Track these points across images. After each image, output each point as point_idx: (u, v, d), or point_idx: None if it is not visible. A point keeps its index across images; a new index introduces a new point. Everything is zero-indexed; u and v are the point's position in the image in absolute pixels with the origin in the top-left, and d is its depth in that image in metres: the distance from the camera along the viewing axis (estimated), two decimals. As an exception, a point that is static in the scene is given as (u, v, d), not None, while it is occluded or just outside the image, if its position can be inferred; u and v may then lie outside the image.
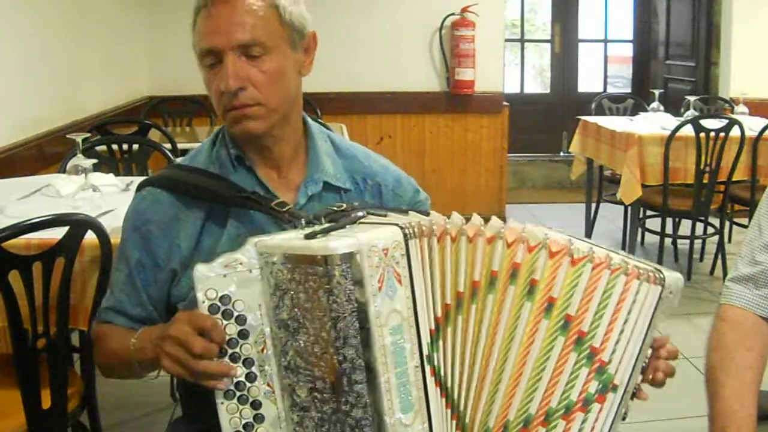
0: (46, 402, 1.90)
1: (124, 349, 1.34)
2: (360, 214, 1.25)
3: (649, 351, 1.30)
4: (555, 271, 1.20)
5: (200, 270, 1.17)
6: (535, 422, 1.20)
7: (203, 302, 1.17)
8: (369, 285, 1.09)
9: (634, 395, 1.30)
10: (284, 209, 1.36)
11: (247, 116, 1.35)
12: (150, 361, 1.30)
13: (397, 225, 1.15)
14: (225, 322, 1.17)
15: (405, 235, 1.14)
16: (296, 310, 1.13)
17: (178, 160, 1.56)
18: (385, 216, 1.27)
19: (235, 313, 1.18)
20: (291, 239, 1.18)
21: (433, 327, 1.16)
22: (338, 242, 1.09)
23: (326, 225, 1.21)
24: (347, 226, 1.19)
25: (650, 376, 1.32)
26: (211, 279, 1.17)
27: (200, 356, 1.15)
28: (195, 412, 1.50)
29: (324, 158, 1.48)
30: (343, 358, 1.10)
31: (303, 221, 1.31)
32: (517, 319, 1.19)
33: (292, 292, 1.13)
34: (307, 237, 1.14)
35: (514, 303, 1.19)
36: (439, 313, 1.17)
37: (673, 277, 1.28)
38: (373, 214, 1.28)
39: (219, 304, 1.17)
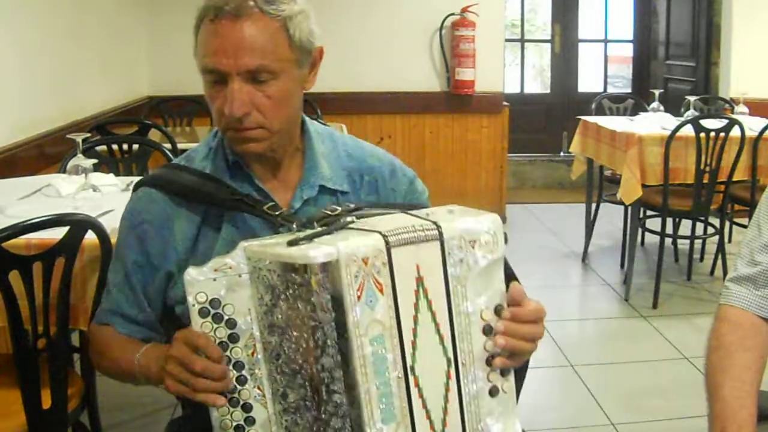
0: (47, 402, 1.90)
1: (127, 362, 1.35)
2: (348, 219, 1.23)
3: (483, 310, 1.19)
4: (430, 262, 1.16)
5: (191, 273, 1.18)
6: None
7: (193, 305, 1.18)
8: (347, 295, 1.08)
9: (490, 362, 1.20)
10: (277, 213, 1.36)
11: (249, 138, 1.34)
12: (154, 381, 1.31)
13: (380, 233, 1.13)
14: (215, 325, 1.18)
15: (387, 243, 1.12)
16: (281, 316, 1.13)
17: (175, 159, 1.55)
18: (374, 219, 1.25)
19: (225, 317, 1.18)
20: (276, 245, 1.17)
21: (413, 338, 1.15)
22: (317, 251, 1.08)
23: (310, 231, 1.19)
24: (334, 232, 1.18)
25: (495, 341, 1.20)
26: (200, 282, 1.18)
27: (201, 375, 1.16)
28: (194, 411, 1.50)
29: (320, 160, 1.47)
30: (321, 367, 1.10)
31: (295, 225, 1.31)
32: (424, 320, 1.17)
33: (278, 298, 1.13)
34: (290, 243, 1.12)
35: (421, 306, 1.17)
36: (413, 324, 1.16)
37: (464, 226, 1.18)
38: (364, 216, 1.27)
39: (209, 307, 1.18)
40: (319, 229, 1.21)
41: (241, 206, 1.38)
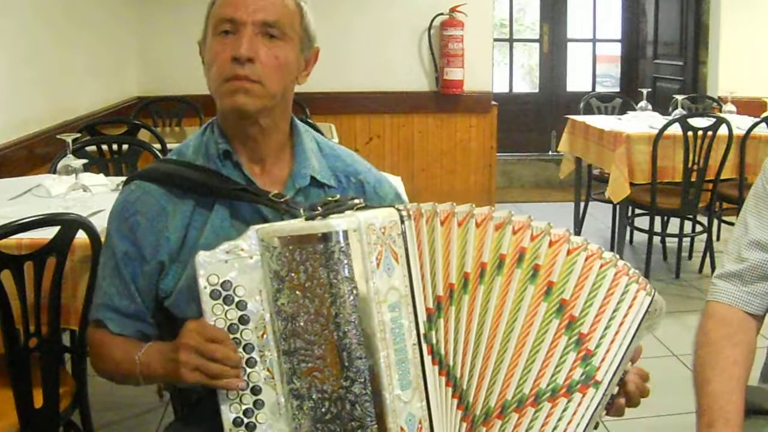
0: (38, 401, 1.90)
1: (127, 363, 1.35)
2: (357, 201, 1.27)
3: (629, 364, 1.31)
4: (554, 257, 1.23)
5: (202, 255, 1.20)
6: (527, 402, 1.23)
7: (205, 288, 1.19)
8: (367, 261, 1.13)
9: (609, 406, 1.30)
10: (281, 200, 1.37)
11: (246, 90, 1.35)
12: (157, 377, 1.32)
13: (393, 207, 1.20)
14: (226, 307, 1.20)
15: (401, 216, 1.19)
16: (297, 292, 1.15)
17: (166, 155, 1.56)
18: (379, 205, 1.30)
19: (236, 299, 1.20)
20: (292, 224, 1.21)
21: (432, 306, 1.19)
22: (338, 220, 1.14)
23: (321, 212, 1.23)
24: (345, 212, 1.21)
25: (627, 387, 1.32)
26: (212, 265, 1.20)
27: (219, 362, 1.18)
28: (190, 415, 1.50)
29: (310, 155, 1.49)
30: (343, 333, 1.13)
31: (301, 210, 1.32)
32: (521, 301, 1.23)
33: (292, 275, 1.15)
34: (308, 219, 1.18)
35: (519, 285, 1.23)
36: (442, 293, 1.20)
37: (660, 298, 1.30)
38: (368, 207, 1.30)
39: (220, 289, 1.20)
40: (333, 208, 1.24)
41: (245, 196, 1.39)
